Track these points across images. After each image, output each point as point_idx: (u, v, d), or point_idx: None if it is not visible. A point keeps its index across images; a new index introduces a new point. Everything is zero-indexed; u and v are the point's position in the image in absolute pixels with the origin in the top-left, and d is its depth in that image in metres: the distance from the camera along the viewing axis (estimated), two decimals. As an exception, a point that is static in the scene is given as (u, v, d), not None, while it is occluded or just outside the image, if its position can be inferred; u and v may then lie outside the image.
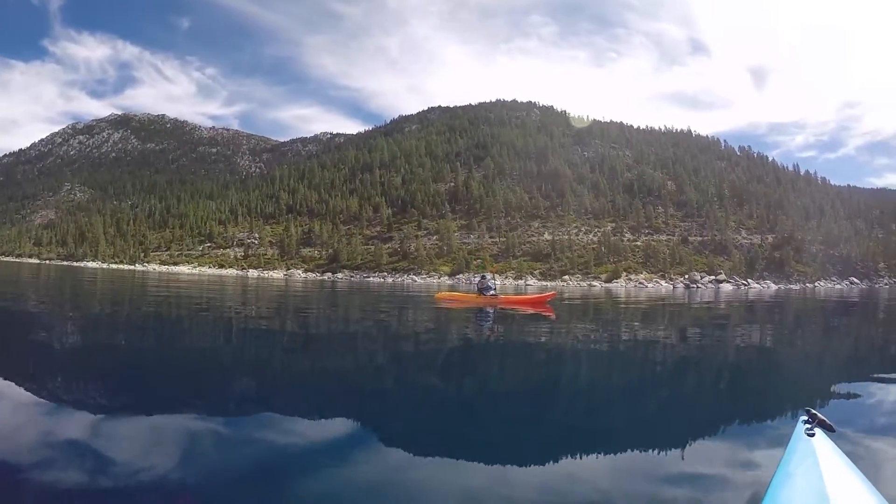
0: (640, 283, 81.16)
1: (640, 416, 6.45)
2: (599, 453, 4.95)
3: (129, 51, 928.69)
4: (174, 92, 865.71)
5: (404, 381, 8.36)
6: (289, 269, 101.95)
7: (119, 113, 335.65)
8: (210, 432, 5.23)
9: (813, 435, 2.98)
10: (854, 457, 3.01)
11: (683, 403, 7.23)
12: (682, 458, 4.82)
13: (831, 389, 7.90)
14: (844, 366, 10.67)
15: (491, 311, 20.08)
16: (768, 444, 4.90)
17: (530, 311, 20.96)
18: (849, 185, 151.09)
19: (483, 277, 24.43)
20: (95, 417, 5.43)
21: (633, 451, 5.03)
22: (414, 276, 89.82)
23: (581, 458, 4.83)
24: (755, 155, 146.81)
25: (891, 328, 19.97)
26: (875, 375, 9.14)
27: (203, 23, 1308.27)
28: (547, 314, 19.73)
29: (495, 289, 24.51)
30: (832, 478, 2.55)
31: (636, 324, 18.96)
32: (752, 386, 8.47)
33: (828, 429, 3.07)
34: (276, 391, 7.21)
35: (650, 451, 5.03)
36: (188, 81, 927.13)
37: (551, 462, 4.73)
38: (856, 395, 7.49)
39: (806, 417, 3.16)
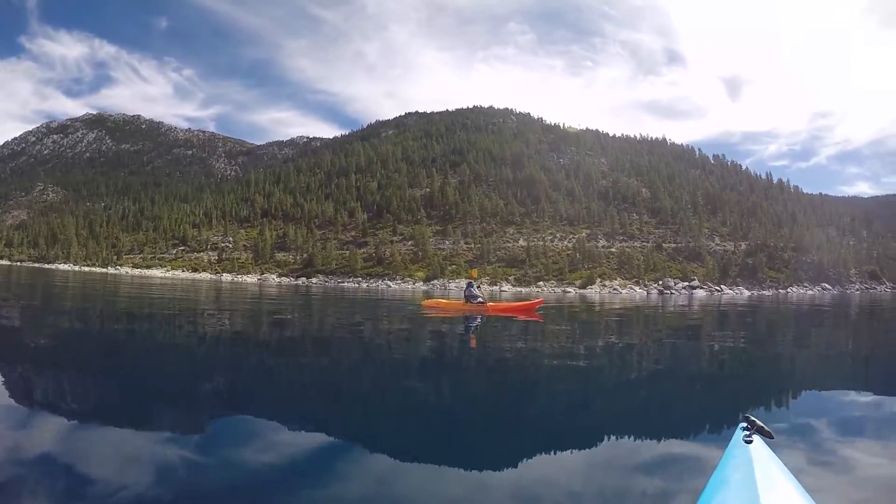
0: (614, 289, 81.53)
1: (601, 422, 6.68)
2: (567, 459, 5.15)
3: (106, 50, 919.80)
4: (150, 92, 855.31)
5: (382, 388, 8.37)
6: (263, 274, 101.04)
7: (94, 113, 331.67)
8: (186, 443, 5.19)
9: (751, 441, 3.00)
10: (792, 464, 3.01)
11: (643, 409, 7.43)
12: (632, 465, 5.01)
13: (782, 396, 8.15)
14: (802, 373, 10.82)
15: (478, 318, 19.97)
16: (714, 450, 4.92)
17: (519, 317, 20.92)
18: (821, 194, 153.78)
19: (469, 285, 24.25)
20: (65, 428, 5.35)
21: (589, 456, 5.26)
22: (388, 282, 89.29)
23: (551, 462, 5.03)
24: (729, 163, 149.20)
25: (857, 336, 20.15)
26: (829, 384, 9.36)
27: (181, 23, 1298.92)
28: (536, 321, 19.67)
29: (482, 296, 24.25)
30: (766, 485, 2.58)
31: (612, 330, 19.18)
32: (709, 392, 8.68)
33: (766, 435, 3.09)
34: (252, 401, 7.13)
35: (605, 456, 5.25)
36: (165, 82, 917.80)
37: (527, 466, 4.92)
38: (805, 403, 7.71)
39: (745, 424, 3.17)
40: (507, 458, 5.12)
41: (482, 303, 23.37)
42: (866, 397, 8.11)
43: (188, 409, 6.61)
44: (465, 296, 23.92)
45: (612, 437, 5.82)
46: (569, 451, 5.34)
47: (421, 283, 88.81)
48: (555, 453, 5.25)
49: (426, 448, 5.37)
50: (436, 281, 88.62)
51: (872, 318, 28.78)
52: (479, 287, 25.17)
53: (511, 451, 5.31)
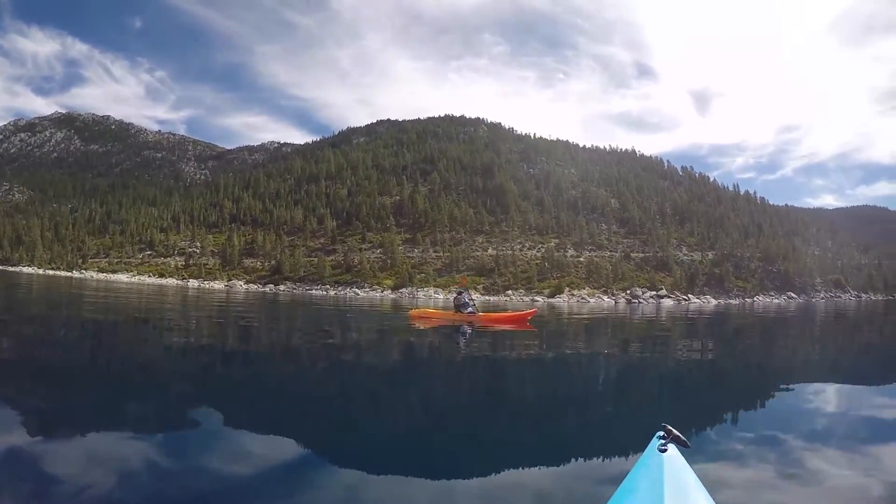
0: (582, 298, 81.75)
1: (549, 433, 6.78)
2: (503, 467, 5.26)
3: (79, 48, 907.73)
4: (122, 93, 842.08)
5: (353, 397, 8.45)
6: (230, 280, 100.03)
7: (63, 112, 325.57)
8: (155, 454, 5.17)
9: (665, 450, 2.98)
10: (705, 474, 3.02)
11: (594, 420, 7.57)
12: (560, 474, 5.15)
13: (715, 406, 8.29)
14: (747, 383, 10.95)
15: (469, 328, 19.63)
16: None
17: (511, 328, 20.59)
18: (787, 205, 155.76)
19: (460, 294, 23.66)
20: (31, 439, 5.30)
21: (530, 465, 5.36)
22: (357, 290, 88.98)
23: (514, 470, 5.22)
24: (697, 175, 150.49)
25: (823, 344, 20.39)
26: (771, 394, 9.47)
27: (155, 24, 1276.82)
28: (528, 331, 19.49)
29: (473, 305, 23.64)
30: (673, 493, 2.60)
31: (581, 338, 19.28)
32: (664, 403, 8.71)
33: (682, 445, 3.06)
34: (222, 411, 7.10)
35: (536, 465, 5.36)
36: (136, 83, 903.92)
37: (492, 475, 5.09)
38: (735, 413, 7.79)
39: (662, 433, 3.15)
40: (473, 466, 5.28)
41: (472, 312, 22.73)
42: (804, 407, 8.22)
43: (158, 419, 6.55)
44: (454, 305, 23.34)
45: (553, 447, 6.01)
46: (510, 461, 5.45)
47: (389, 291, 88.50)
48: (501, 461, 5.40)
49: (395, 456, 5.44)
50: (404, 289, 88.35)
51: (837, 325, 29.37)
52: (471, 296, 24.47)
53: (475, 460, 5.48)
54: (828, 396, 9.00)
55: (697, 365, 12.89)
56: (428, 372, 11.06)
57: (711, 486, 2.86)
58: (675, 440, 3.10)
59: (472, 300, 24.06)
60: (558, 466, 5.30)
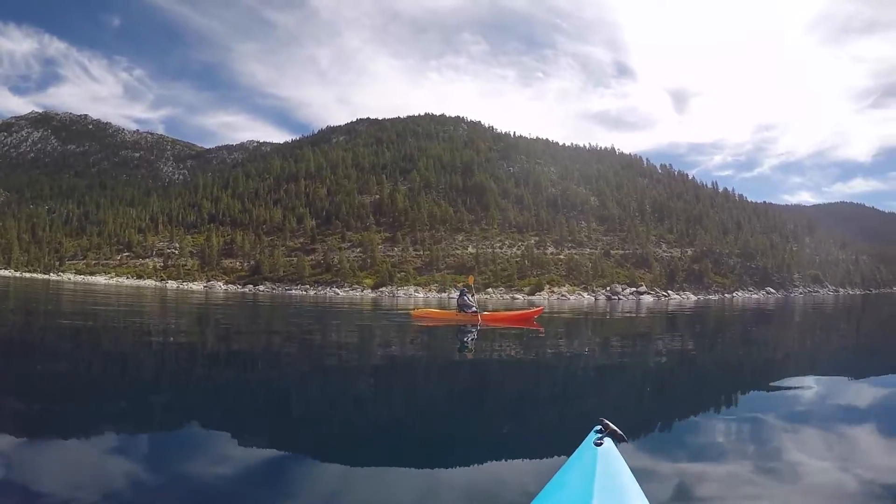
0: (562, 295, 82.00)
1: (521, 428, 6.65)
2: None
3: (56, 46, 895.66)
4: (100, 92, 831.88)
5: (335, 393, 8.39)
6: (209, 281, 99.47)
7: (40, 111, 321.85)
8: (135, 459, 5.05)
9: (601, 444, 2.99)
10: (643, 467, 2.97)
11: (541, 416, 7.39)
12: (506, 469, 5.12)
13: (668, 402, 8.40)
14: (713, 379, 10.86)
15: (472, 328, 19.24)
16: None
17: (517, 327, 20.34)
18: (765, 202, 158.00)
19: (462, 293, 23.12)
20: (10, 442, 5.19)
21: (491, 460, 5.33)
22: (336, 289, 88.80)
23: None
24: (676, 173, 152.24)
25: (800, 340, 20.40)
26: (731, 389, 9.40)
27: (134, 22, 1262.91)
28: (536, 330, 19.16)
29: (476, 305, 23.09)
30: (603, 486, 2.62)
31: (560, 335, 19.11)
32: (616, 399, 8.68)
33: (618, 439, 3.08)
34: (205, 412, 7.02)
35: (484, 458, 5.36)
36: (115, 82, 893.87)
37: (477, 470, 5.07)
38: (686, 408, 7.78)
39: (599, 427, 3.15)
40: (458, 461, 5.25)
41: (475, 312, 22.18)
42: (762, 404, 8.11)
43: (138, 423, 6.34)
44: (457, 304, 22.93)
45: (500, 444, 5.94)
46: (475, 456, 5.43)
47: (369, 290, 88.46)
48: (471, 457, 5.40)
49: (379, 453, 5.37)
50: (384, 288, 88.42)
51: (814, 319, 29.66)
52: (472, 295, 24.00)
53: (460, 455, 5.45)
54: (789, 393, 8.96)
55: (672, 361, 12.84)
56: (410, 371, 10.97)
57: (647, 478, 2.80)
58: (612, 434, 3.10)
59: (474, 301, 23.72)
60: (497, 461, 5.26)
